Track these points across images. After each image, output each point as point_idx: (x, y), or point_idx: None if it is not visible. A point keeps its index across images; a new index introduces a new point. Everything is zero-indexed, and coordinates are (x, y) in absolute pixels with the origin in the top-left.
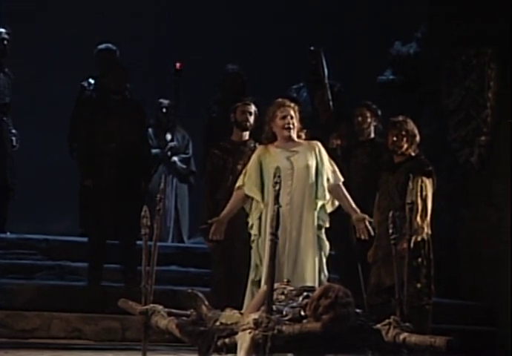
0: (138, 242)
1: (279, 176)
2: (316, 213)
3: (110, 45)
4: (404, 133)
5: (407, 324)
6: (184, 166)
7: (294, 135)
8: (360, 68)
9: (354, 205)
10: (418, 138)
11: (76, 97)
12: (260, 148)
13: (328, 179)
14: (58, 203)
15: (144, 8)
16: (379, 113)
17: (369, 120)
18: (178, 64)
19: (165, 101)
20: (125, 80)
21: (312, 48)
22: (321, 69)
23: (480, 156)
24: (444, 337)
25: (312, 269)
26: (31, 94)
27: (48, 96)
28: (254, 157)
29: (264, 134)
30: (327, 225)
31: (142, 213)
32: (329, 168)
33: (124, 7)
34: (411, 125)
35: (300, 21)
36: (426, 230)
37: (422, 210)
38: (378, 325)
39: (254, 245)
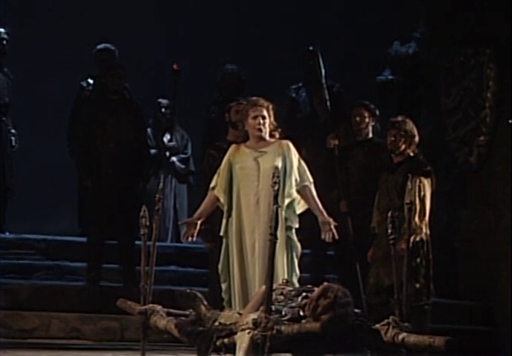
0: (137, 242)
1: (278, 177)
2: (284, 214)
3: (109, 45)
4: (402, 133)
5: (406, 324)
6: (183, 166)
7: (265, 135)
8: (358, 68)
9: (321, 207)
10: (417, 138)
11: (74, 97)
12: (232, 147)
13: (296, 180)
14: (57, 203)
15: (144, 8)
16: (377, 112)
17: (367, 120)
18: (175, 66)
19: (164, 101)
20: (124, 80)
21: (309, 48)
22: (319, 69)
23: (479, 156)
24: (443, 337)
25: (282, 270)
26: (30, 94)
27: (47, 96)
28: (226, 157)
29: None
30: (297, 226)
31: (141, 214)
32: (297, 169)
33: (124, 7)
34: (410, 125)
35: (299, 20)
36: (424, 230)
37: (421, 210)
38: (377, 325)
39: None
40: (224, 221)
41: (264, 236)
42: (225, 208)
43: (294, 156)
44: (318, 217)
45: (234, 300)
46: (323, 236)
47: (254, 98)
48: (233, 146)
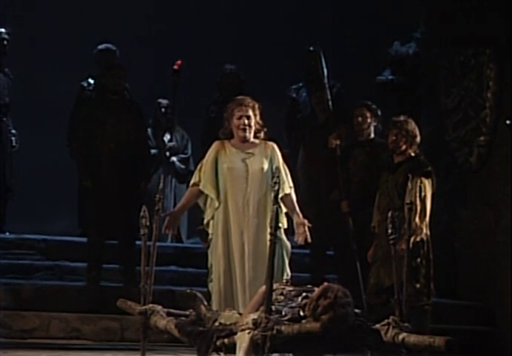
0: (137, 243)
1: (278, 177)
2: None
3: (109, 45)
4: (403, 132)
5: (406, 324)
6: (183, 166)
7: (250, 136)
8: (358, 68)
9: (298, 210)
10: (418, 138)
11: (75, 97)
12: (216, 144)
13: None
14: (57, 203)
15: (144, 8)
16: (379, 113)
17: (369, 120)
18: (176, 65)
19: (164, 101)
20: (124, 80)
21: (311, 48)
22: (320, 69)
23: (479, 156)
24: (443, 337)
25: None
26: (31, 94)
27: (48, 96)
28: (210, 153)
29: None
30: (285, 226)
31: (141, 214)
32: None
33: (124, 7)
34: (412, 125)
35: (299, 21)
36: (425, 230)
37: (421, 210)
38: (377, 326)
39: (211, 245)
40: (212, 221)
41: (254, 237)
42: (214, 204)
43: (279, 159)
44: (294, 219)
45: (218, 300)
46: (295, 239)
47: (240, 97)
48: (217, 142)
